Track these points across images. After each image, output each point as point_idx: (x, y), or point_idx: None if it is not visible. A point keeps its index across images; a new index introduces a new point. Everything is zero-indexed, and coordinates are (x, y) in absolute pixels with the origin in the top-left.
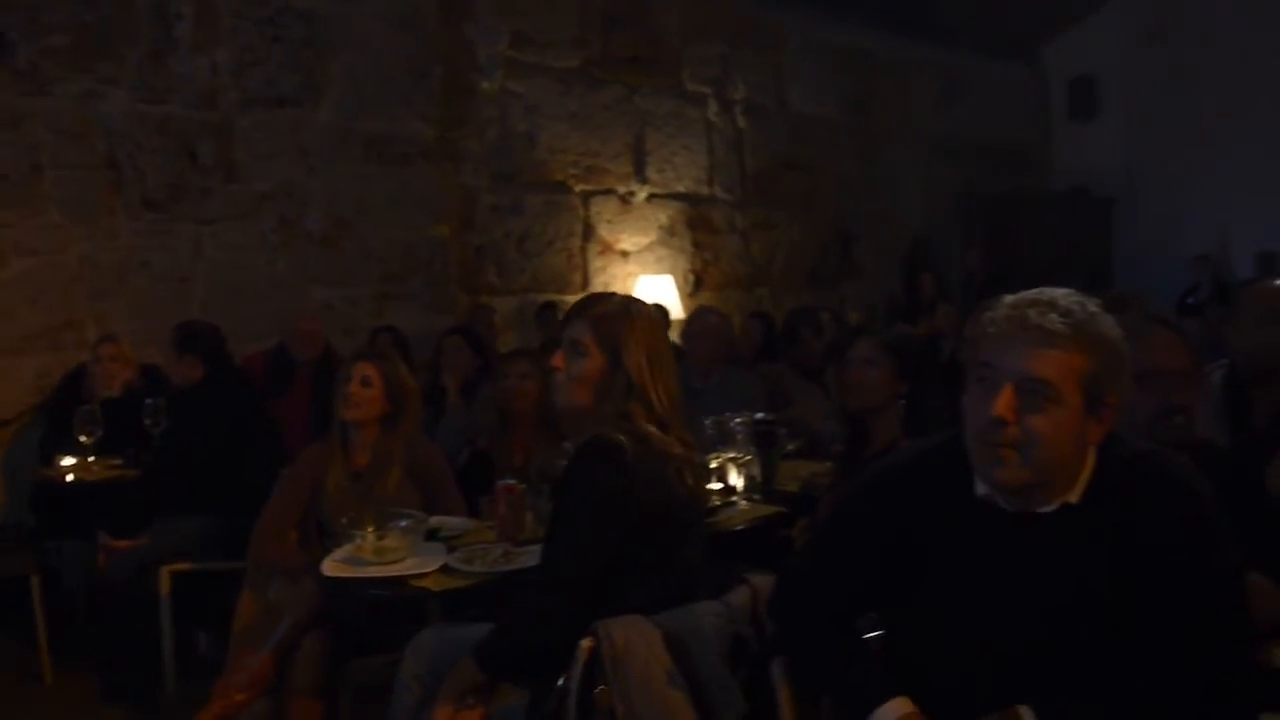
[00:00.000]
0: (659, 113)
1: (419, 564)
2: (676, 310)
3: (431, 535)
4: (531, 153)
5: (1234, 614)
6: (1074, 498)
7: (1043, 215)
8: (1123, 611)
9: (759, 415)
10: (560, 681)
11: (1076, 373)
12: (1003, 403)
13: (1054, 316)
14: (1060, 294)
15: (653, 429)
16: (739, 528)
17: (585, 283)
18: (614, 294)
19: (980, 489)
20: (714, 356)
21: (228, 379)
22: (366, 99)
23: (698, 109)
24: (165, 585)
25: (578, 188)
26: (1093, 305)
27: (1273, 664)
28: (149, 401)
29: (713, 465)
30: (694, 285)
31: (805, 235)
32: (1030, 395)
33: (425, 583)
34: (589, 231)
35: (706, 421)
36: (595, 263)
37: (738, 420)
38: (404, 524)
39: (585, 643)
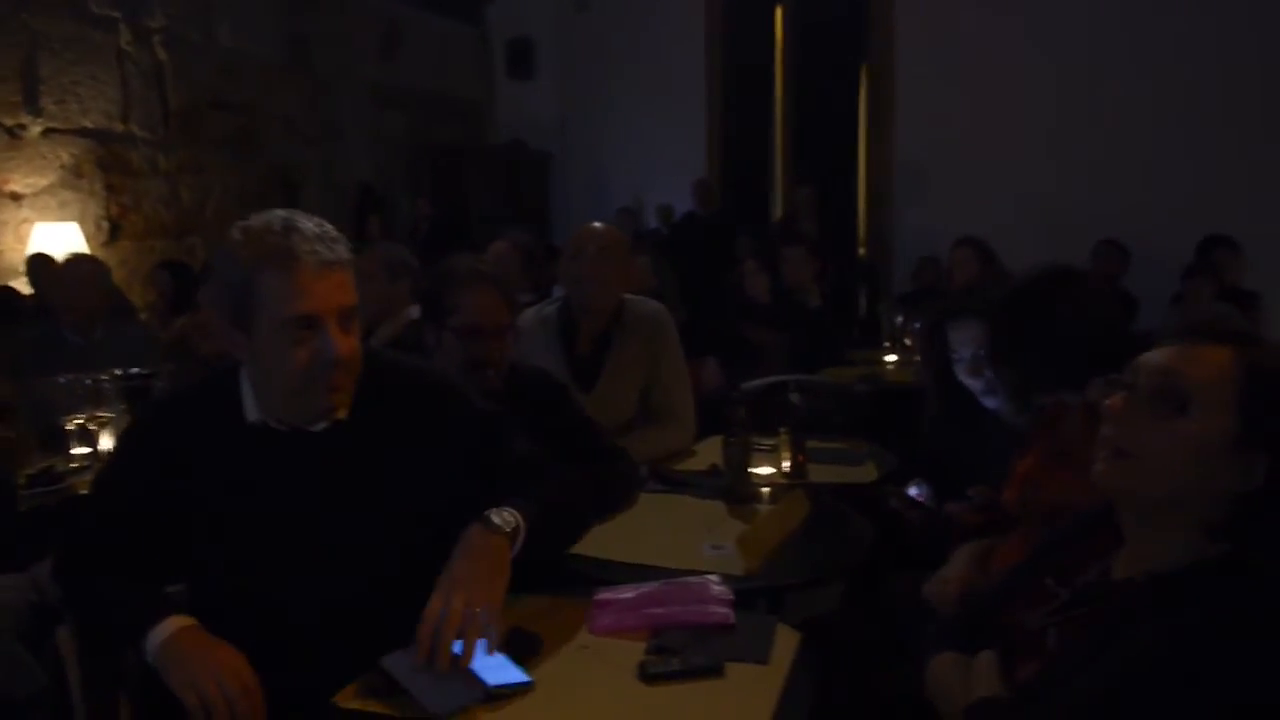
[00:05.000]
0: (55, 35)
1: None
2: None
3: None
4: None
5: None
6: (342, 413)
7: (487, 167)
8: (409, 510)
9: (134, 370)
10: None
11: None
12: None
13: (340, 249)
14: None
15: None
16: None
17: None
18: None
19: (251, 415)
20: (91, 308)
21: None
22: None
23: (107, 35)
24: None
25: None
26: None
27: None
28: None
29: (69, 427)
30: (110, 234)
31: (243, 180)
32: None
33: None
34: None
35: (62, 379)
36: None
37: (104, 378)
38: None
39: None
